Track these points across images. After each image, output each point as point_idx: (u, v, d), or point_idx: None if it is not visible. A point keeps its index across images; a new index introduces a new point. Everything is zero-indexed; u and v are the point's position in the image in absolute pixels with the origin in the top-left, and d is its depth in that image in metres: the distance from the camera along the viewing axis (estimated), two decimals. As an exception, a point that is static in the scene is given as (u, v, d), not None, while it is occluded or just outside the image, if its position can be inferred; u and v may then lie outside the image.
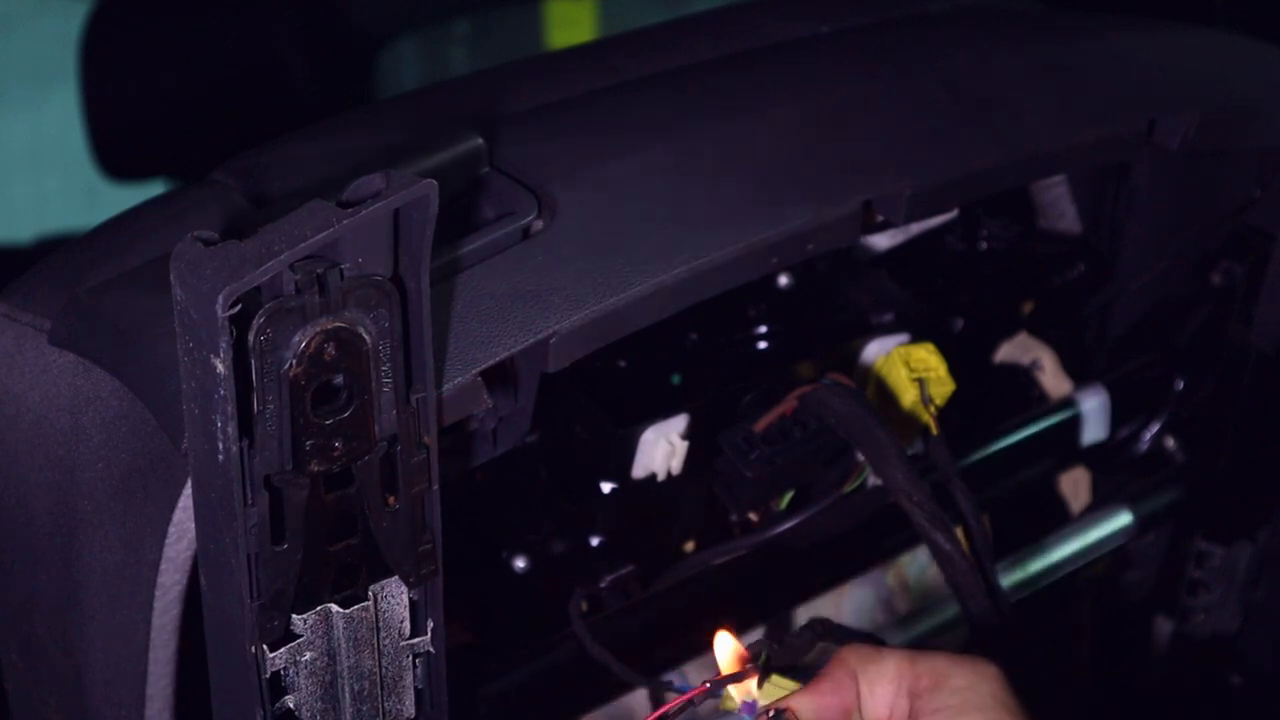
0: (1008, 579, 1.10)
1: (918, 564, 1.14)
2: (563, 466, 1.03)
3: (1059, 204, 1.22)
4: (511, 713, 0.97)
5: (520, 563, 1.04)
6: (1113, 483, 1.24)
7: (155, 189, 2.26)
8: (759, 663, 0.83)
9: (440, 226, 0.71)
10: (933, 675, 0.78)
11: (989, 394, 1.20)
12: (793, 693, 0.79)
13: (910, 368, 1.01)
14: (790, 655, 0.88)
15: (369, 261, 0.70)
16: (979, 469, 1.13)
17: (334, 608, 0.76)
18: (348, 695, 0.78)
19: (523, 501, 1.04)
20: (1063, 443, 1.19)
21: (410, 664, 0.79)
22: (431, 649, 0.79)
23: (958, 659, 0.79)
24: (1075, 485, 1.26)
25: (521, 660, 0.98)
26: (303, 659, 0.75)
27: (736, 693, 0.83)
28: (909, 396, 1.01)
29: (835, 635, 0.91)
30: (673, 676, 0.99)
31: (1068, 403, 1.19)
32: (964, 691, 0.77)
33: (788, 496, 1.02)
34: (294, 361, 0.69)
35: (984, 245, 1.19)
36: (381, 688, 0.79)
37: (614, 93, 1.01)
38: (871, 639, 0.91)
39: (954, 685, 0.77)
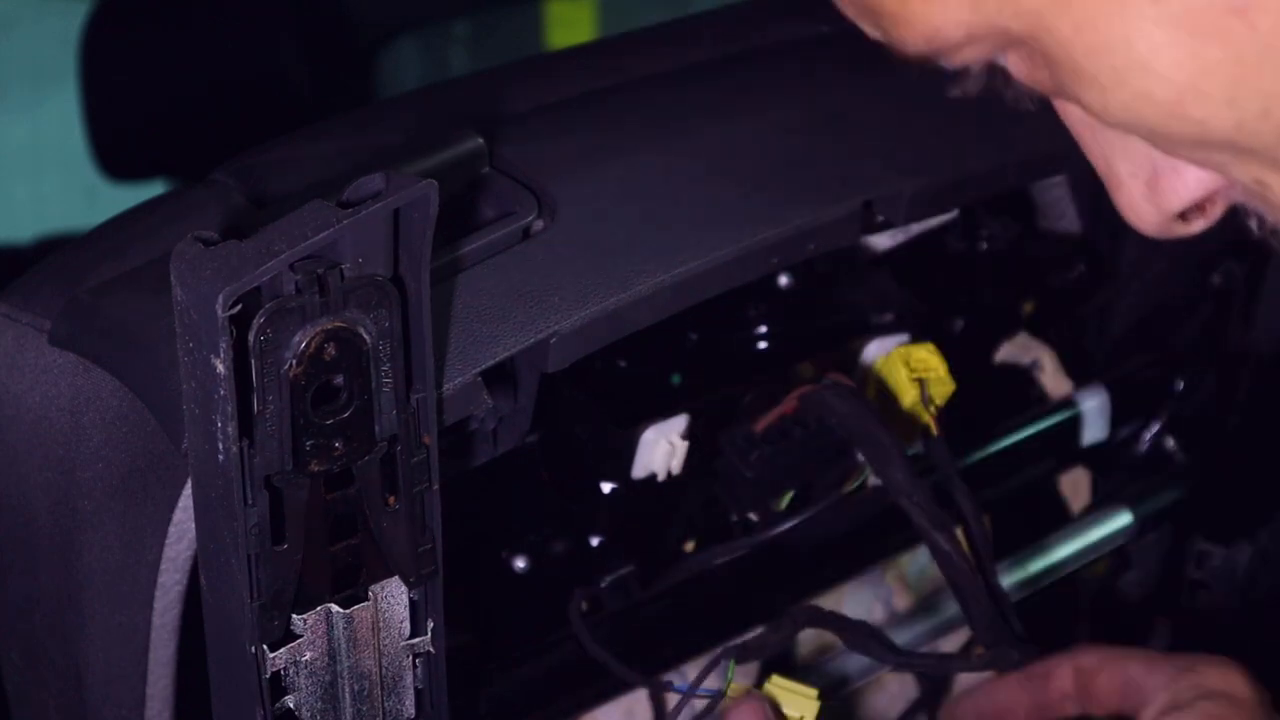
0: (1008, 579, 1.10)
1: (918, 564, 1.14)
2: (563, 466, 1.03)
3: (1059, 204, 1.21)
4: (511, 713, 0.97)
5: (520, 563, 1.04)
6: (1113, 483, 1.24)
7: (155, 189, 2.26)
8: (729, 676, 0.83)
9: (440, 226, 0.71)
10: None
11: (989, 394, 1.20)
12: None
13: (910, 368, 1.01)
14: (773, 647, 0.87)
15: (369, 261, 0.70)
16: (979, 469, 1.13)
17: (334, 608, 0.75)
18: (348, 695, 0.78)
19: (523, 501, 1.04)
20: (1063, 443, 1.19)
21: (410, 664, 0.79)
22: (431, 649, 0.79)
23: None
24: (1075, 485, 1.26)
25: (521, 660, 0.98)
26: (303, 659, 0.75)
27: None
28: (909, 396, 1.01)
29: (823, 624, 0.91)
30: (673, 676, 0.99)
31: (1068, 403, 1.18)
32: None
33: (788, 496, 1.02)
34: (294, 361, 0.68)
35: (984, 245, 1.19)
36: (381, 688, 0.78)
37: (614, 93, 1.01)
38: (867, 630, 0.91)
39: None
